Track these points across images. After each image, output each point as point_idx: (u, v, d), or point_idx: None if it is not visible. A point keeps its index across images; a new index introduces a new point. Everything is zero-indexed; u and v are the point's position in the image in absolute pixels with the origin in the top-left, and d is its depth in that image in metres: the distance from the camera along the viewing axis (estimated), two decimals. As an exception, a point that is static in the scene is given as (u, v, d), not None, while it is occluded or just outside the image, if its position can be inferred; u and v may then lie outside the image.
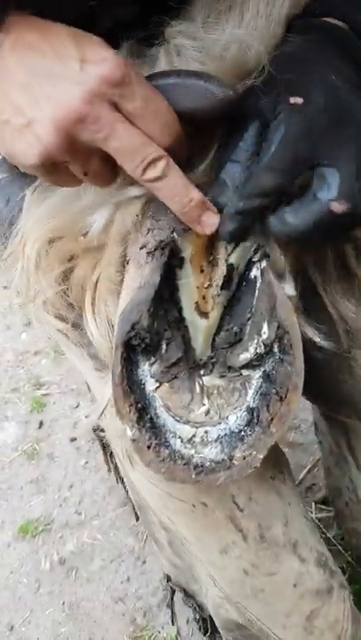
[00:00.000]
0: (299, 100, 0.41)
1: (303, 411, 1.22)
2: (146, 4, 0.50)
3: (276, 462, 0.65)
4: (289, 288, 0.50)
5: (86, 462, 1.42)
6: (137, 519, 0.97)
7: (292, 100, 0.41)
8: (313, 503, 1.16)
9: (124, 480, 0.69)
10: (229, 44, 0.46)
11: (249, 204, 0.44)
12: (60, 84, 0.40)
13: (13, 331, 1.81)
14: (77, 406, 1.56)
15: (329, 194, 0.41)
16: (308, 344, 0.50)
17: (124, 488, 0.72)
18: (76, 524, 1.31)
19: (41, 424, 1.52)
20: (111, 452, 0.71)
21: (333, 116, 0.41)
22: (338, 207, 0.41)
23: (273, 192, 0.43)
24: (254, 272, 0.47)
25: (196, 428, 0.47)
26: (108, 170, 0.45)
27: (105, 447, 0.74)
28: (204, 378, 0.48)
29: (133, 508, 0.86)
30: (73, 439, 1.47)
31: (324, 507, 1.15)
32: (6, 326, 1.82)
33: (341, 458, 0.83)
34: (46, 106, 0.41)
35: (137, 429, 0.45)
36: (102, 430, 0.77)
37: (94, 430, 0.81)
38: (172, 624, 1.10)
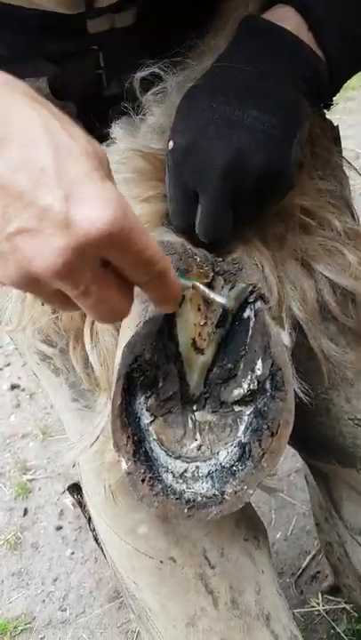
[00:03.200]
0: (171, 144, 0.55)
1: (304, 491, 1.23)
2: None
3: (249, 525, 0.66)
4: (285, 337, 0.56)
5: (72, 553, 1.40)
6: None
7: (170, 144, 0.55)
8: (319, 593, 1.14)
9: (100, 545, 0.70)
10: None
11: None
12: (35, 228, 0.35)
13: (2, 413, 1.84)
14: (64, 492, 1.55)
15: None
16: None
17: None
18: (60, 622, 1.27)
19: (26, 511, 1.52)
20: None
21: (193, 155, 0.53)
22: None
23: (184, 224, 0.56)
24: (248, 312, 0.53)
25: (188, 463, 0.51)
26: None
27: (83, 507, 0.75)
28: (196, 413, 0.53)
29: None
30: (59, 527, 1.46)
31: (332, 597, 1.12)
32: (-5, 410, 1.85)
33: (328, 512, 0.84)
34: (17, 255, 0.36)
35: (132, 462, 0.49)
36: (79, 491, 0.79)
37: (70, 490, 0.83)
38: None
